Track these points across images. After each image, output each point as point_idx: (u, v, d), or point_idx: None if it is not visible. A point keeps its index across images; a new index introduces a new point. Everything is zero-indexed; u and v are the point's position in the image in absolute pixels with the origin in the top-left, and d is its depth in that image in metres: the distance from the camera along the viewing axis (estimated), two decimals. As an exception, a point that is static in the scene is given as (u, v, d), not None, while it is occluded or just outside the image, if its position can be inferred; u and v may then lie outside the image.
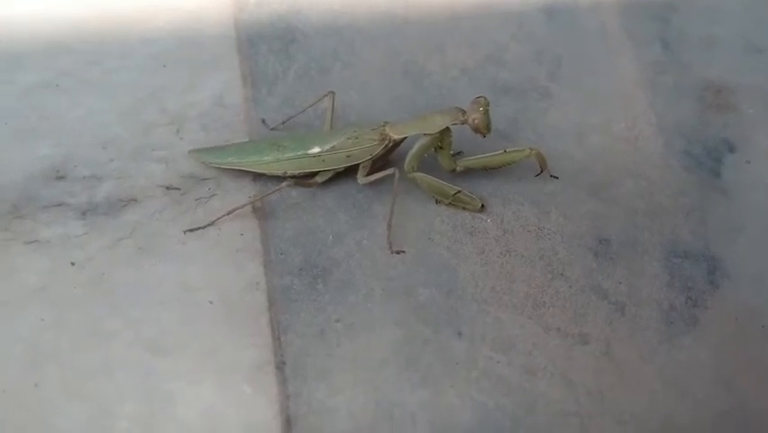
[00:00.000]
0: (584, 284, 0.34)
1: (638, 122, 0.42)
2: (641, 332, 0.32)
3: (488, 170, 0.37)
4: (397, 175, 0.35)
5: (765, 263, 0.35)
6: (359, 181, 0.37)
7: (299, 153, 0.36)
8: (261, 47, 0.46)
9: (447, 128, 0.36)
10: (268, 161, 0.36)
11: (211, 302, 0.32)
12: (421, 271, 0.34)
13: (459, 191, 0.36)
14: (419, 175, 0.36)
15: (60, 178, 0.37)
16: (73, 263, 0.33)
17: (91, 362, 0.31)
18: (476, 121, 0.35)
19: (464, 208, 0.36)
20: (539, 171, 0.37)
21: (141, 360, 0.30)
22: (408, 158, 0.36)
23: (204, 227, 0.35)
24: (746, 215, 0.38)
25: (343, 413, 0.29)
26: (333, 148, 0.36)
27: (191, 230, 0.34)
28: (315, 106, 0.40)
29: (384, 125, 0.37)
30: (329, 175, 0.37)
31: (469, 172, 0.37)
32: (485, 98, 0.35)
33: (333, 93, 0.39)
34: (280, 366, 0.30)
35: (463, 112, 0.36)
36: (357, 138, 0.36)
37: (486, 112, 0.35)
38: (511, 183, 0.38)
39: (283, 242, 0.34)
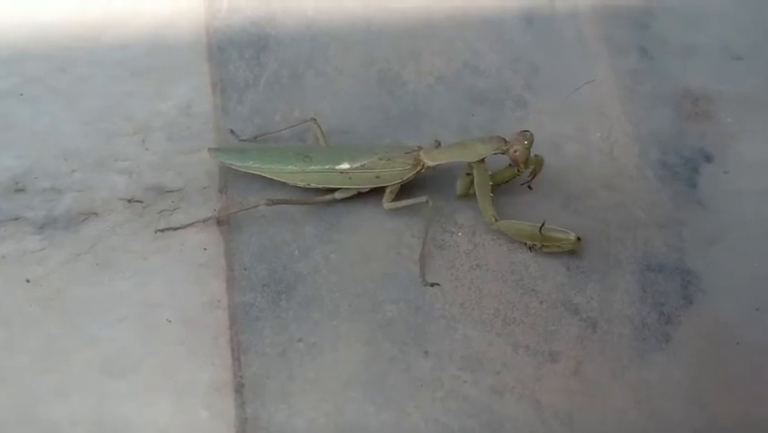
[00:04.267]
0: (555, 300, 0.33)
1: (614, 131, 0.41)
2: (612, 349, 0.31)
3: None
4: (430, 204, 0.34)
5: (741, 277, 0.34)
6: (384, 207, 0.35)
7: (326, 167, 0.35)
8: (232, 54, 0.45)
9: (482, 160, 0.34)
10: (292, 171, 0.35)
11: (169, 321, 0.31)
12: (389, 286, 0.33)
13: (543, 225, 0.33)
14: (504, 224, 0.34)
15: (19, 190, 0.36)
16: (28, 280, 0.32)
17: (45, 384, 0.30)
18: (517, 153, 0.34)
19: (559, 247, 0.33)
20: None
21: (97, 382, 0.29)
22: (481, 208, 0.34)
23: (177, 229, 0.33)
24: (723, 226, 0.37)
25: (305, 439, 0.28)
26: (363, 166, 0.35)
27: (162, 230, 0.33)
28: (289, 118, 0.40)
29: (419, 149, 0.35)
30: (350, 194, 0.36)
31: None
32: (531, 133, 0.34)
33: (315, 119, 0.38)
34: (239, 388, 0.29)
35: (506, 141, 0.34)
36: (389, 159, 0.35)
37: (529, 147, 0.34)
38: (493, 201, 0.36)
39: (248, 257, 0.34)
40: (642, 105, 0.43)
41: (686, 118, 0.42)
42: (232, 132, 0.40)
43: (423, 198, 0.34)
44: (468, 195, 0.35)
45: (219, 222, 0.35)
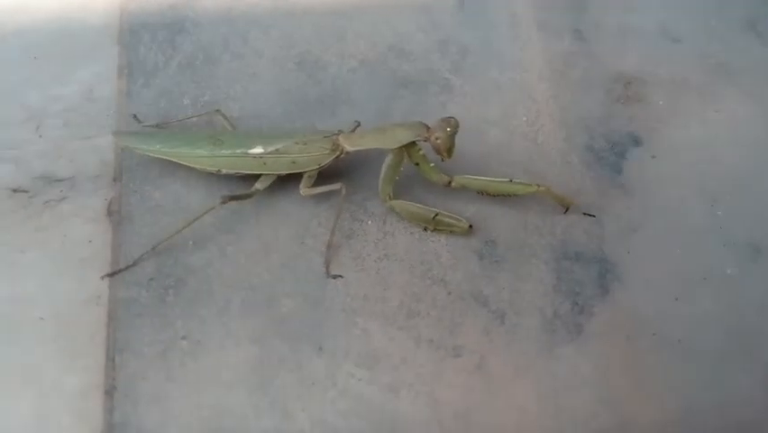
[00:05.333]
0: (464, 290, 0.31)
1: (540, 116, 0.39)
2: (519, 343, 0.29)
3: (483, 195, 0.33)
4: (343, 192, 0.32)
5: (660, 266, 0.32)
6: (301, 192, 0.33)
7: (238, 152, 0.33)
8: (145, 37, 0.43)
9: (413, 143, 0.32)
10: (202, 156, 0.33)
11: (41, 318, 0.28)
12: (288, 279, 0.31)
13: (437, 213, 0.32)
14: (397, 203, 0.33)
15: None
16: None
17: None
18: (438, 141, 0.32)
19: (451, 232, 0.33)
20: (564, 210, 0.33)
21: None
22: (380, 184, 0.33)
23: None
24: (646, 213, 0.35)
25: (175, 446, 0.26)
26: (277, 151, 0.33)
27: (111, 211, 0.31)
28: (198, 102, 0.37)
29: (338, 134, 0.34)
30: (270, 181, 0.33)
31: (463, 190, 0.33)
32: (455, 120, 0.32)
33: (219, 110, 0.36)
34: (110, 391, 0.26)
35: (428, 128, 0.32)
36: (306, 144, 0.33)
37: (452, 134, 0.32)
38: (395, 182, 0.35)
39: (136, 249, 0.31)
40: (572, 89, 0.41)
41: (617, 102, 0.40)
42: (135, 117, 0.37)
43: (336, 186, 0.32)
44: (453, 181, 0.33)
45: (110, 212, 0.33)
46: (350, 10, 0.45)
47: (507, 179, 0.33)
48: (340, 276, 0.31)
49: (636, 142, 0.39)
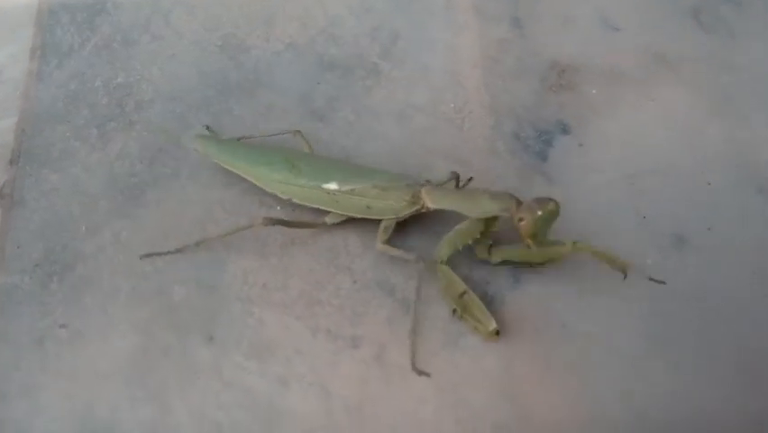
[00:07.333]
0: (370, 279, 0.30)
1: (469, 102, 0.38)
2: (423, 333, 0.28)
3: (532, 267, 0.29)
4: (421, 267, 0.28)
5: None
6: (377, 247, 0.29)
7: (312, 184, 0.29)
8: (63, 17, 0.41)
9: (493, 219, 0.28)
10: (277, 180, 0.30)
11: None
12: (183, 266, 0.29)
13: (466, 291, 0.27)
14: (446, 269, 0.28)
15: None
16: None
17: None
18: (522, 222, 0.27)
19: (476, 329, 0.28)
20: (623, 276, 0.28)
21: None
22: (442, 243, 0.29)
23: None
24: (567, 201, 0.33)
25: (41, 437, 0.24)
26: (352, 191, 0.29)
27: None
28: (111, 84, 0.35)
29: (423, 186, 0.29)
30: (339, 219, 0.30)
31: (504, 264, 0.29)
32: (555, 204, 0.27)
33: (299, 131, 0.32)
34: (-24, 382, 0.25)
35: (518, 203, 0.27)
36: (384, 189, 0.29)
37: (544, 219, 0.27)
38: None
39: (25, 234, 0.30)
40: (505, 77, 0.40)
41: (549, 90, 0.40)
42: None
43: (412, 256, 0.28)
44: (492, 258, 0.29)
45: (1, 195, 0.31)
46: (283, -7, 0.43)
47: (463, 291, 0.28)
48: (426, 374, 0.26)
49: (565, 130, 0.38)
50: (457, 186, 0.32)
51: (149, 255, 0.29)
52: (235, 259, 0.30)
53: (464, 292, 0.28)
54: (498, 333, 0.27)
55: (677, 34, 0.42)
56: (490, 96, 0.39)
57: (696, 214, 0.33)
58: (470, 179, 0.32)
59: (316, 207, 0.30)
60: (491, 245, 0.29)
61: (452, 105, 0.38)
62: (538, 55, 0.41)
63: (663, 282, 0.28)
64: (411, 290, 0.29)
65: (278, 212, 0.32)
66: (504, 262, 0.29)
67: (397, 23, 0.42)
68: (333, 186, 0.29)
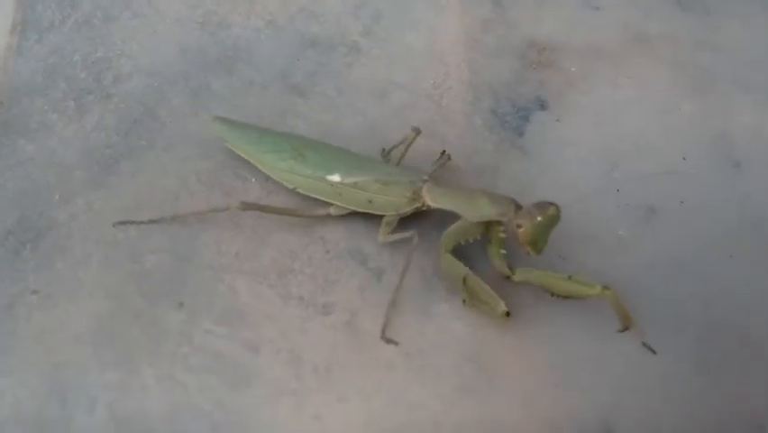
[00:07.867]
0: (343, 249, 0.30)
1: (448, 79, 0.38)
2: (396, 303, 0.28)
3: (553, 296, 0.28)
4: (415, 241, 0.27)
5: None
6: (379, 240, 0.29)
7: (317, 174, 0.29)
8: (44, -7, 0.41)
9: (496, 222, 0.27)
10: (281, 168, 0.30)
11: None
12: (156, 235, 0.29)
13: (467, 274, 0.27)
14: (449, 257, 0.28)
15: None
16: None
17: None
18: (520, 229, 0.26)
19: (486, 313, 0.27)
20: (621, 329, 0.27)
21: None
22: (447, 234, 0.28)
23: None
24: (541, 174, 0.34)
25: (8, 399, 0.24)
26: (355, 184, 0.29)
27: None
28: (89, 58, 0.35)
29: (424, 183, 0.29)
30: (342, 212, 0.30)
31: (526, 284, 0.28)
32: (556, 209, 0.26)
33: (419, 130, 0.32)
34: (-55, 344, 0.25)
35: (517, 208, 0.27)
36: (386, 184, 0.29)
37: (543, 226, 0.26)
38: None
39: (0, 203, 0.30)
40: (484, 55, 0.40)
41: (528, 67, 0.40)
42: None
43: (408, 234, 0.28)
44: (514, 275, 0.28)
45: (-23, 165, 0.31)
46: (266, -28, 0.43)
47: (566, 276, 0.27)
48: (395, 343, 0.27)
49: (542, 106, 0.38)
50: (442, 155, 0.32)
51: (122, 223, 0.29)
52: (208, 228, 0.30)
53: (467, 276, 0.27)
54: (508, 314, 0.26)
55: (656, 13, 0.43)
56: (470, 73, 0.39)
57: (669, 188, 0.33)
58: (444, 151, 0.33)
59: (320, 198, 0.30)
60: (510, 264, 0.27)
61: (432, 82, 0.38)
62: (519, 34, 0.41)
63: (654, 352, 0.27)
64: (384, 259, 0.30)
65: (252, 184, 0.32)
66: (526, 282, 0.28)
67: (380, 3, 0.42)
68: (336, 177, 0.29)
